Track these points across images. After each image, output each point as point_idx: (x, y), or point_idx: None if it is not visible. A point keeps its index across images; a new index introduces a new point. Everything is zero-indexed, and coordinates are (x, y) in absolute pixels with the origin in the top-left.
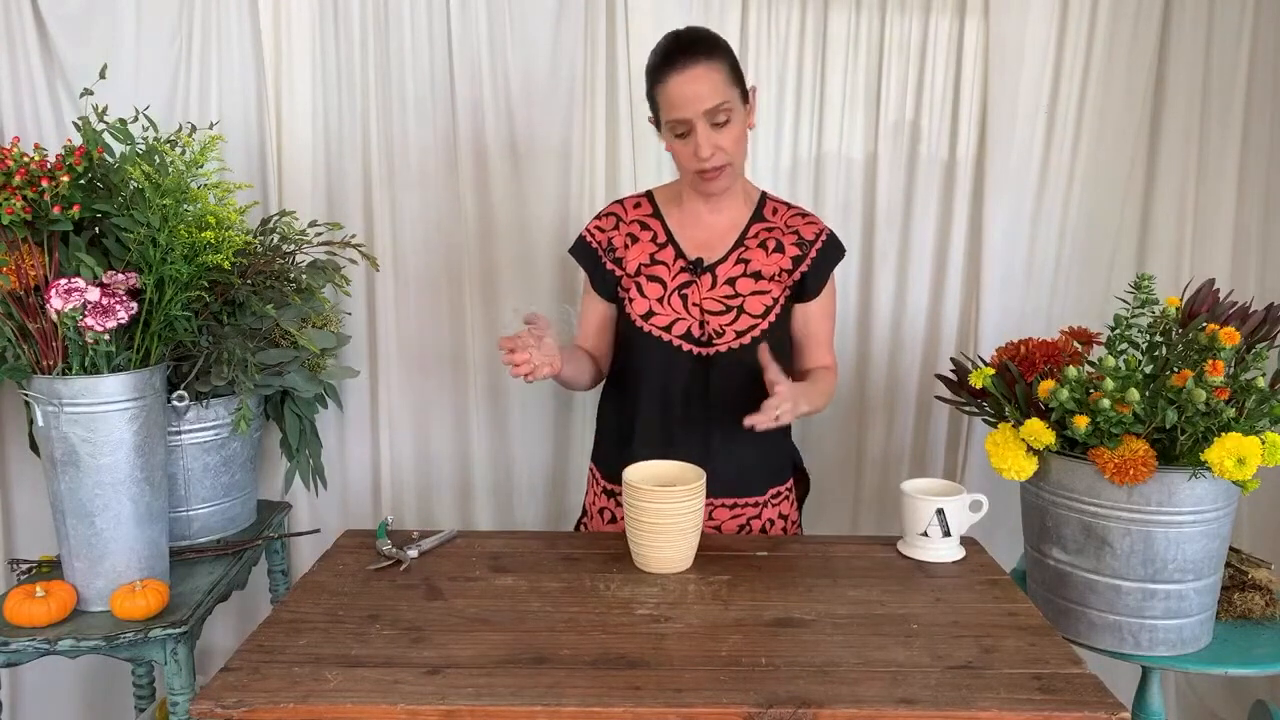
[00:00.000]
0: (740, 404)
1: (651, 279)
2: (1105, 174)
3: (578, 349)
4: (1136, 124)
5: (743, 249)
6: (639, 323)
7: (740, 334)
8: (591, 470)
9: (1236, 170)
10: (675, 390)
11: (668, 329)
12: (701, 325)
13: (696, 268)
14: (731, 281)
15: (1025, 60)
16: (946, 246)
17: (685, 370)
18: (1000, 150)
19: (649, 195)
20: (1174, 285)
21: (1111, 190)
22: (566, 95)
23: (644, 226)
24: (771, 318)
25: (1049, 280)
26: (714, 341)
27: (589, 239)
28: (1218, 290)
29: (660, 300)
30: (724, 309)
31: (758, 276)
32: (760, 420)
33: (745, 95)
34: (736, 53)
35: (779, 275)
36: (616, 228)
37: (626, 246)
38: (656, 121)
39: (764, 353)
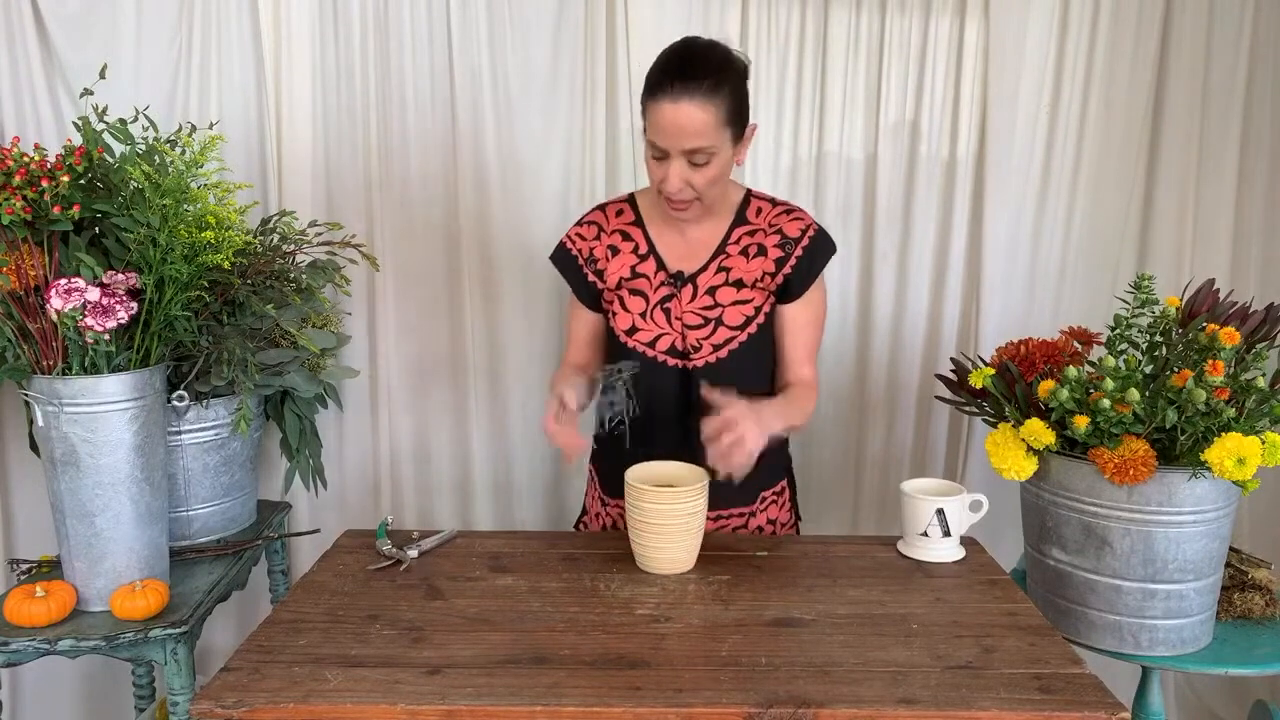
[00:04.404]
0: None
1: (634, 293)
2: (1108, 174)
3: (583, 377)
4: (1139, 125)
5: (724, 256)
6: (623, 338)
7: (717, 347)
8: (591, 472)
9: (1237, 170)
10: (661, 404)
11: (652, 344)
12: (684, 339)
13: (677, 280)
14: (712, 291)
15: (1026, 61)
16: (947, 246)
17: (671, 384)
18: (1000, 151)
19: (631, 200)
20: (1174, 285)
21: (1114, 191)
22: (566, 95)
23: (625, 237)
24: (752, 329)
25: (1051, 281)
26: (693, 356)
27: (570, 246)
28: (1218, 290)
29: (643, 315)
30: (702, 322)
31: (739, 285)
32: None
33: (740, 134)
34: None
35: (761, 280)
36: (598, 238)
37: (608, 259)
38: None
39: (704, 390)
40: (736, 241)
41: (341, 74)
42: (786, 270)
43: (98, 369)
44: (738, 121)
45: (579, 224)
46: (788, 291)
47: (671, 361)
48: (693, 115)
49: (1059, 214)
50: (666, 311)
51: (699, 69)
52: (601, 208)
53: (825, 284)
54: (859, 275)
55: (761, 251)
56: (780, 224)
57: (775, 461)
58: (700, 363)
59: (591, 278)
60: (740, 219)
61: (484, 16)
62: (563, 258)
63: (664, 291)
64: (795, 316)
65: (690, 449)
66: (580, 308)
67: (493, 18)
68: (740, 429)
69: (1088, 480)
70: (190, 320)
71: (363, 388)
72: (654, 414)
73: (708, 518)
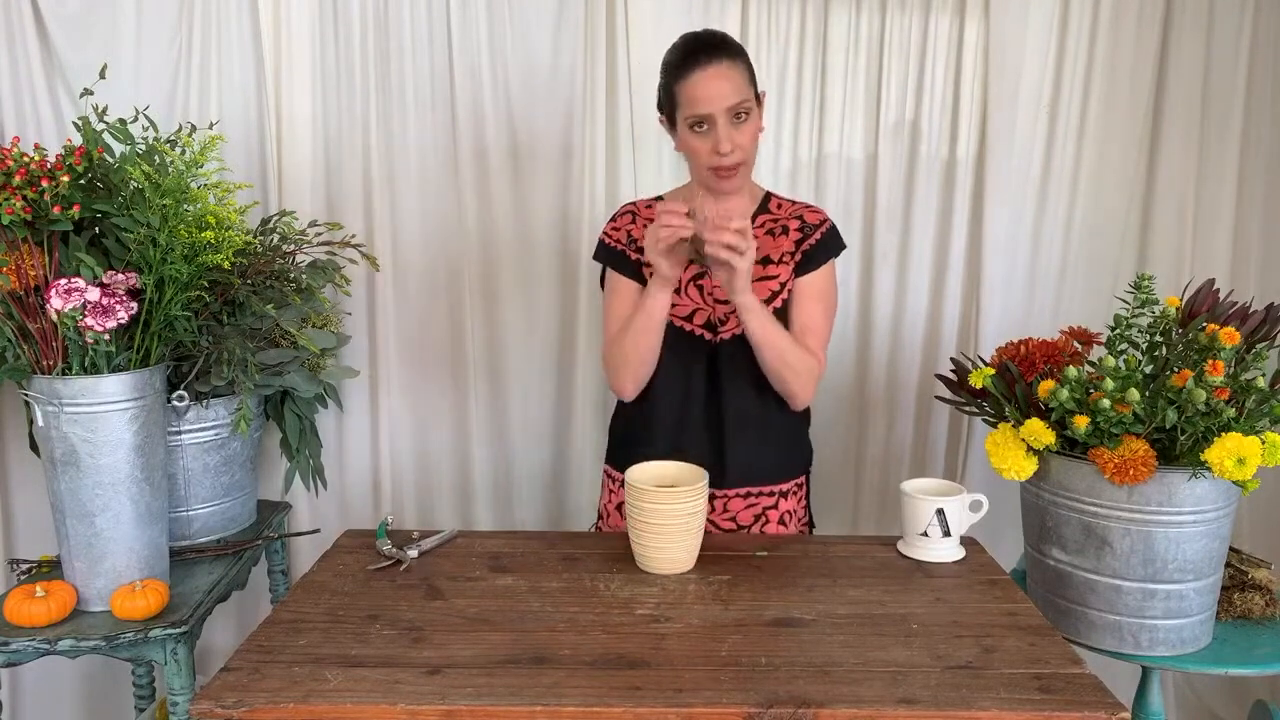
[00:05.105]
0: (747, 392)
1: None
2: (1108, 174)
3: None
4: (1139, 125)
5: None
6: None
7: None
8: (607, 472)
9: (1237, 170)
10: (691, 378)
11: (689, 318)
12: (714, 312)
13: (706, 258)
14: None
15: (1026, 60)
16: (947, 246)
17: (701, 358)
18: (1001, 150)
19: (659, 199)
20: (1174, 285)
21: (1115, 191)
22: (566, 95)
23: None
24: (776, 304)
25: (1051, 281)
26: (719, 329)
27: (608, 240)
28: (1218, 290)
29: (678, 291)
30: None
31: (766, 261)
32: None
33: (759, 99)
34: None
35: (784, 258)
36: (634, 222)
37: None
38: (670, 119)
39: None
40: (761, 225)
41: (341, 74)
42: (805, 247)
43: (98, 369)
44: (755, 84)
45: (612, 220)
46: (803, 267)
47: (703, 334)
48: (726, 73)
49: (1059, 214)
50: (700, 288)
51: (714, 39)
52: (633, 202)
53: (834, 278)
54: (859, 275)
55: (785, 231)
56: (800, 213)
57: (799, 451)
58: (727, 335)
59: (634, 255)
60: (763, 209)
61: (484, 16)
62: (604, 252)
63: (695, 268)
64: (804, 289)
65: (717, 424)
66: (622, 283)
67: (493, 18)
68: (741, 237)
69: (1088, 480)
70: (190, 320)
71: (363, 388)
72: (685, 388)
73: (738, 497)
